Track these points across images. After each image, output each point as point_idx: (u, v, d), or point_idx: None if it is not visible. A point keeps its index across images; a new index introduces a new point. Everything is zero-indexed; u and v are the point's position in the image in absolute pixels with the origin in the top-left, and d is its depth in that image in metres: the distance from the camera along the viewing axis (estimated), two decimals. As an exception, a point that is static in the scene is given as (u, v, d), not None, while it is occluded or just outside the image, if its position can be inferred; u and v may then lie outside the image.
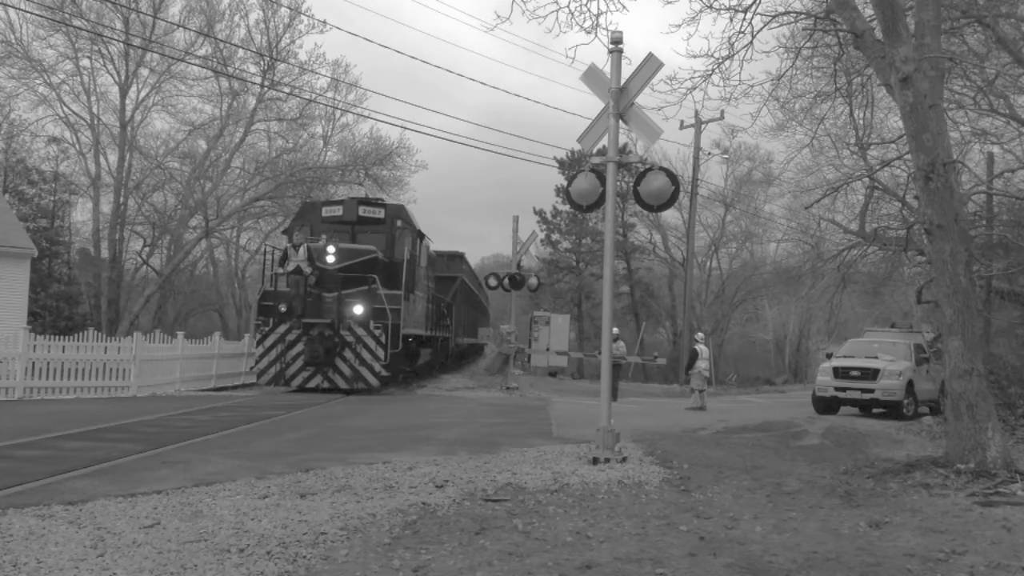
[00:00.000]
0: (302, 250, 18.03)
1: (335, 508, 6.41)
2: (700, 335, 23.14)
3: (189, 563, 4.90)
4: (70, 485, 7.11)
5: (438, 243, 27.69)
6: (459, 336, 31.48)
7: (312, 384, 17.93)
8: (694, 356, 20.60)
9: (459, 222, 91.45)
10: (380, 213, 19.70)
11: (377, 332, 17.78)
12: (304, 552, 5.18)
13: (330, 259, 18.00)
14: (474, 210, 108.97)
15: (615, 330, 25.67)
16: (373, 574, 4.84)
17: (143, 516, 5.99)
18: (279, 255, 18.79)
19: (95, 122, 33.55)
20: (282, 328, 18.11)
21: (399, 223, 19.87)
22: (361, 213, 19.47)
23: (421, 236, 21.25)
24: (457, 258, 31.97)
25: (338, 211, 19.60)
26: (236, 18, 33.89)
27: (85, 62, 32.60)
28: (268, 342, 18.17)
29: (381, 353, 17.77)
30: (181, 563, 4.90)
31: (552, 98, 77.18)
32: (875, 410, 19.13)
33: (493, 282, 24.24)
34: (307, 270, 18.04)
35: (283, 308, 18.10)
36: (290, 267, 18.11)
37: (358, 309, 17.85)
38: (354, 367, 17.88)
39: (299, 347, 17.97)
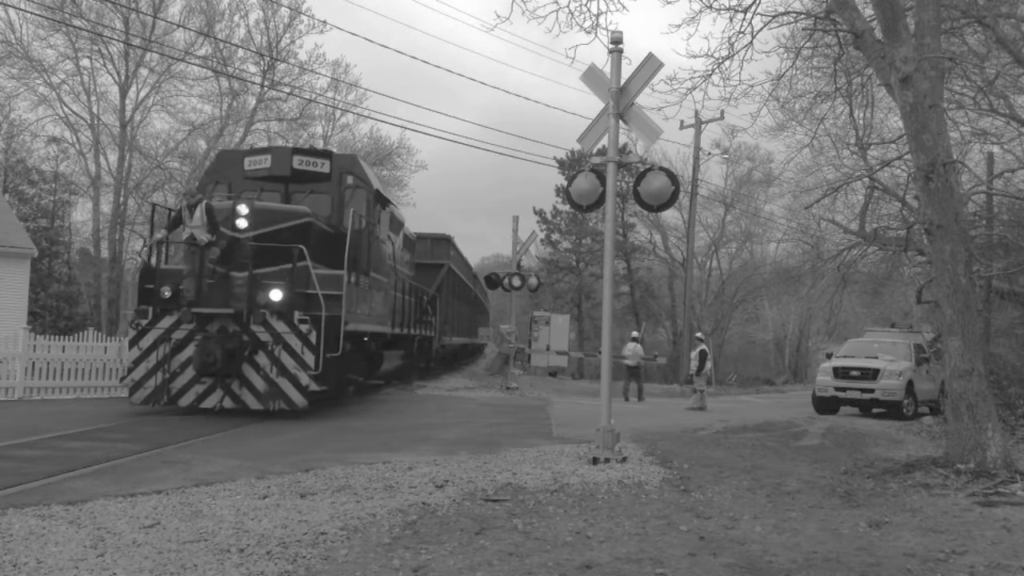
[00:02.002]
0: (199, 211, 12.76)
1: (335, 508, 6.41)
2: (700, 335, 23.14)
3: (189, 563, 4.90)
4: (70, 485, 7.11)
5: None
6: (446, 335, 26.86)
7: (209, 404, 12.61)
8: (704, 357, 20.55)
9: (460, 222, 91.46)
10: (323, 166, 14.77)
11: (304, 328, 12.42)
12: (304, 552, 5.18)
13: (241, 223, 12.54)
14: (475, 210, 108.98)
15: (635, 333, 25.58)
16: (373, 574, 4.84)
17: (143, 516, 5.99)
18: (173, 217, 13.51)
19: (95, 122, 33.55)
20: (167, 321, 12.78)
21: (349, 180, 14.89)
22: (296, 165, 14.55)
23: (383, 202, 16.03)
24: (444, 242, 26.84)
25: (265, 163, 14.72)
26: (236, 18, 33.96)
27: (85, 62, 32.62)
28: (145, 342, 12.76)
29: (310, 358, 12.37)
30: (181, 563, 4.90)
31: (553, 98, 77.23)
32: (875, 410, 19.14)
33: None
34: (204, 238, 12.69)
35: (166, 293, 12.75)
36: (184, 235, 12.97)
37: (276, 294, 12.50)
38: (270, 378, 12.45)
39: (190, 349, 12.63)
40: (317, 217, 13.82)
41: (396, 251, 18.28)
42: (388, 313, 16.76)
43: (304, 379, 12.47)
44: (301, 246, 12.63)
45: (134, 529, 5.63)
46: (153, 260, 13.65)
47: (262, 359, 12.54)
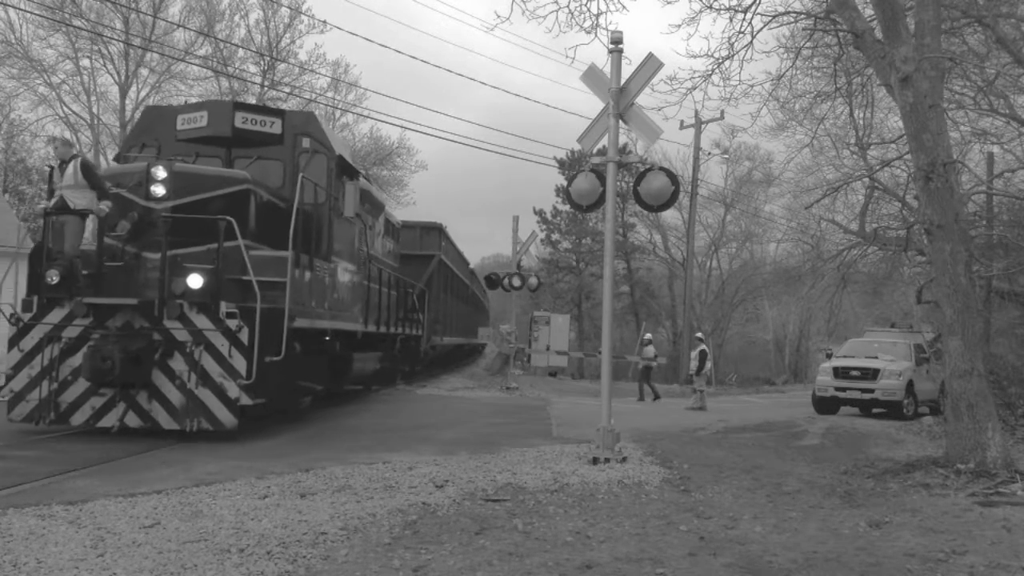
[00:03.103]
0: (72, 168, 10.12)
1: (335, 508, 6.41)
2: (700, 335, 23.16)
3: (189, 563, 4.90)
4: (70, 485, 7.11)
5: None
6: (437, 334, 24.50)
7: (108, 423, 9.82)
8: (704, 357, 20.58)
9: (460, 222, 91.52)
10: (273, 125, 12.20)
11: (234, 323, 9.76)
12: (304, 552, 5.18)
13: (157, 190, 10.09)
14: (475, 210, 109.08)
15: (648, 335, 25.49)
16: (373, 574, 4.84)
17: (143, 516, 5.99)
18: (49, 177, 10.72)
19: (95, 122, 33.58)
20: (56, 315, 9.98)
21: (306, 143, 12.28)
22: (239, 124, 11.92)
23: (350, 172, 13.30)
24: (434, 231, 24.65)
25: (200, 120, 12.00)
26: (236, 18, 33.98)
27: (85, 62, 32.65)
28: (27, 342, 9.96)
29: (241, 363, 9.69)
30: (181, 563, 4.90)
31: (555, 98, 77.25)
32: (875, 410, 19.15)
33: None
34: (79, 204, 10.10)
35: (53, 278, 9.90)
36: (53, 200, 10.32)
37: (194, 280, 9.93)
38: (188, 389, 9.70)
39: (83, 352, 9.73)
40: (260, 185, 11.26)
41: (372, 236, 15.98)
42: (359, 308, 14.30)
43: (233, 390, 9.64)
44: (230, 218, 9.87)
45: (134, 529, 5.63)
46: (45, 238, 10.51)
47: (178, 364, 9.74)
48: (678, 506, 7.00)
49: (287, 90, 33.57)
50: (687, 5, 45.63)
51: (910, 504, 7.31)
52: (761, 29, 11.57)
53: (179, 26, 31.90)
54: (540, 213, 49.95)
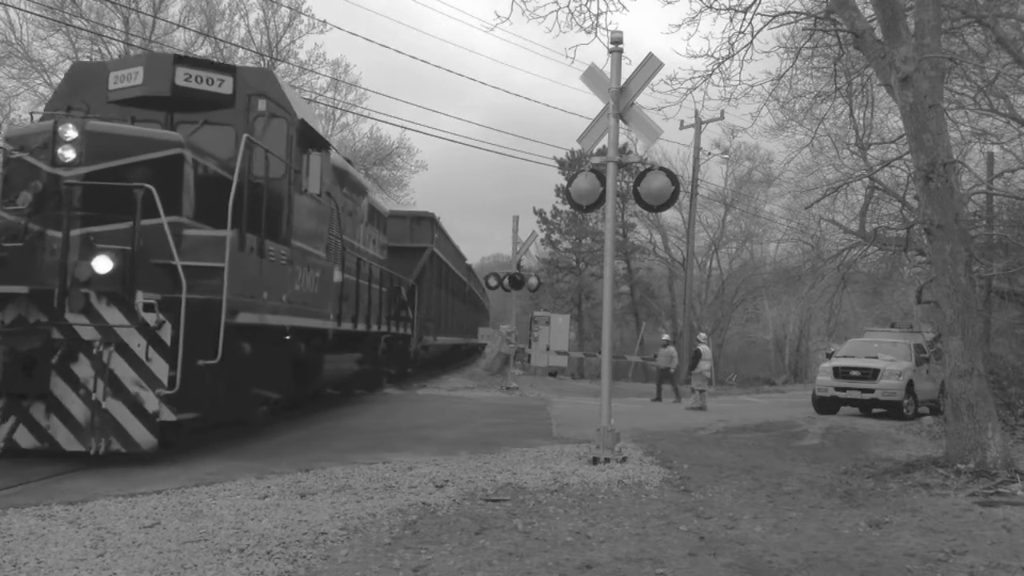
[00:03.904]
0: None
1: (335, 508, 6.42)
2: (703, 335, 23.18)
3: (189, 563, 4.90)
4: (70, 485, 7.11)
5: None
6: (429, 333, 22.95)
7: None
8: (697, 356, 20.66)
9: (460, 222, 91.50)
10: (223, 84, 10.36)
11: (153, 318, 8.04)
12: (304, 552, 5.18)
13: (66, 153, 8.24)
14: (475, 210, 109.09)
15: (666, 336, 25.39)
16: (373, 574, 4.84)
17: (143, 516, 5.99)
18: None
19: (95, 122, 33.50)
20: None
21: (261, 105, 10.48)
22: (182, 81, 10.13)
23: (316, 142, 11.55)
24: (426, 222, 23.04)
25: (135, 78, 10.18)
26: (236, 18, 33.96)
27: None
28: None
29: (162, 367, 8.01)
30: (181, 563, 4.90)
31: (556, 98, 77.28)
32: (875, 410, 19.14)
33: (493, 282, 24.03)
34: None
35: None
36: None
37: (101, 263, 8.07)
38: (94, 401, 7.93)
39: None
40: (200, 151, 9.52)
41: (352, 223, 14.47)
42: (330, 302, 12.49)
43: (151, 403, 7.92)
44: (148, 187, 8.11)
45: (134, 529, 5.63)
46: None
47: (83, 369, 7.95)
48: (678, 506, 7.00)
49: (287, 90, 33.57)
50: (687, 5, 45.68)
51: (910, 504, 7.31)
52: (761, 29, 11.59)
53: (179, 26, 31.91)
54: (540, 213, 49.97)
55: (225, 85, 10.49)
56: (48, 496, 6.55)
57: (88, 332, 8.06)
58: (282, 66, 33.24)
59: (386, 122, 76.28)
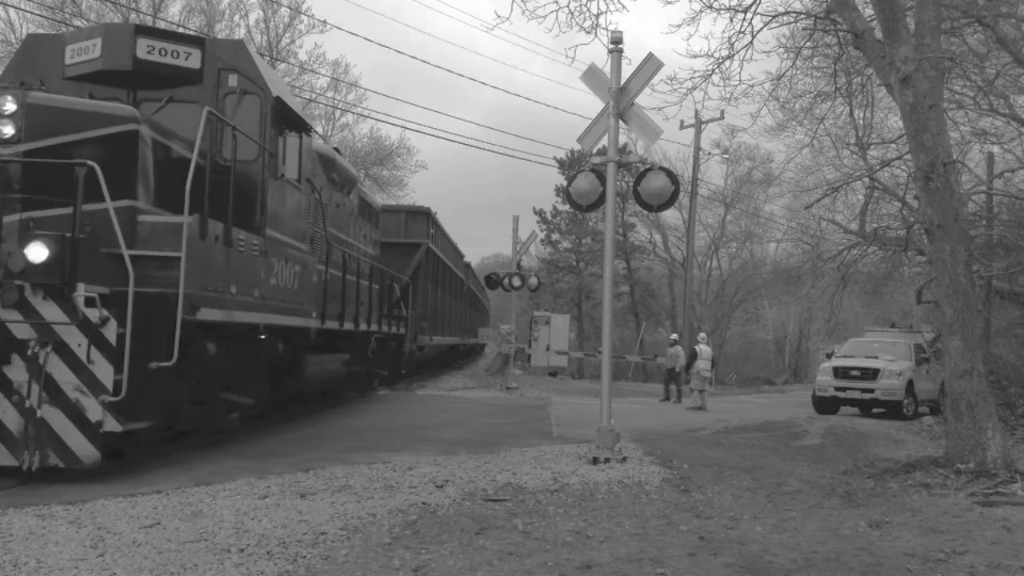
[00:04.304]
0: None
1: (335, 508, 6.42)
2: (702, 335, 23.19)
3: (189, 563, 4.90)
4: (70, 485, 7.10)
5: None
6: (425, 333, 22.06)
7: None
8: (694, 356, 20.70)
9: (460, 222, 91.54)
10: (190, 58, 9.50)
11: (95, 315, 7.15)
12: (304, 552, 5.18)
13: (4, 129, 7.47)
14: (475, 210, 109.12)
15: (674, 336, 25.34)
16: (373, 574, 4.84)
17: (143, 516, 5.99)
18: None
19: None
20: None
21: (232, 81, 9.69)
22: (144, 54, 9.24)
23: (296, 124, 10.76)
24: (421, 217, 22.13)
25: (93, 51, 9.32)
26: (236, 18, 33.99)
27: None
28: None
29: (106, 371, 7.13)
30: (181, 563, 4.90)
31: (557, 98, 77.34)
32: (875, 410, 19.16)
33: (495, 282, 23.96)
34: None
35: None
36: None
37: (36, 251, 7.15)
38: (29, 409, 7.07)
39: None
40: (160, 129, 8.59)
41: (340, 215, 13.78)
42: (312, 299, 11.59)
43: (94, 411, 7.05)
44: (91, 164, 7.26)
45: (134, 529, 5.63)
46: None
47: (16, 373, 7.09)
48: (678, 506, 7.00)
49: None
50: (687, 5, 45.70)
51: (910, 504, 7.31)
52: (761, 29, 11.59)
53: (179, 26, 31.90)
54: (540, 213, 49.99)
55: (192, 59, 9.55)
56: (48, 496, 6.55)
57: (22, 330, 7.13)
58: (282, 66, 33.25)
59: (386, 122, 76.37)
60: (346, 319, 13.71)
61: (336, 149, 14.83)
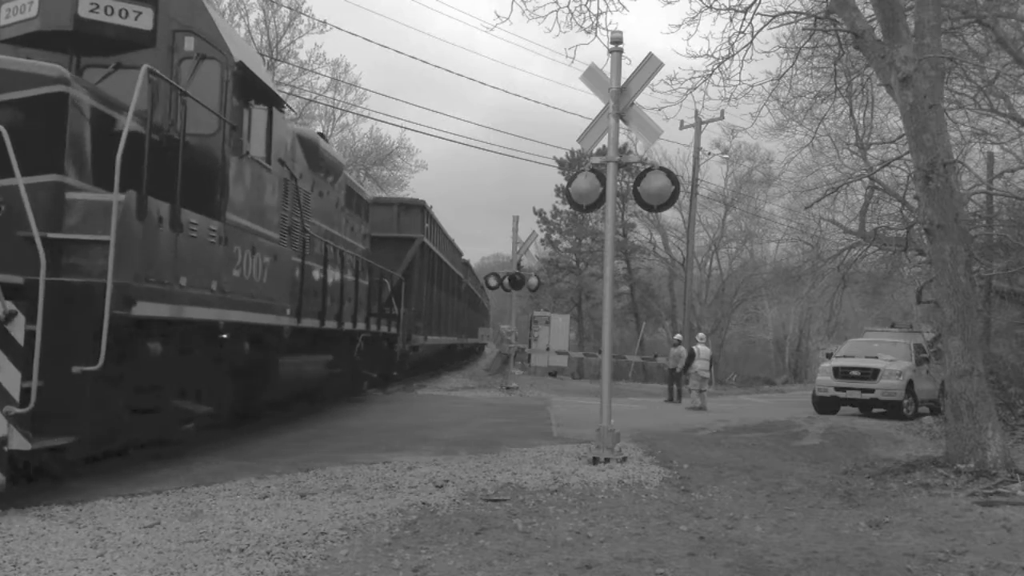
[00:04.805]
0: None
1: (335, 508, 6.41)
2: (700, 335, 23.21)
3: (189, 563, 4.90)
4: (70, 485, 7.10)
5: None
6: (419, 333, 21.09)
7: None
8: (691, 356, 20.74)
9: (461, 222, 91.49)
10: (140, 17, 8.21)
11: None
12: (304, 552, 5.18)
13: None
14: (476, 210, 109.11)
15: (677, 336, 25.27)
16: (373, 574, 4.84)
17: (143, 516, 5.99)
18: None
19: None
20: None
21: (188, 44, 8.68)
22: (87, 13, 8.00)
23: (260, 93, 9.58)
24: (416, 210, 21.19)
25: (30, 9, 8.12)
26: (236, 18, 33.97)
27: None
28: None
29: (12, 377, 5.91)
30: (181, 563, 4.90)
31: (558, 98, 77.34)
32: (875, 410, 19.16)
33: (493, 282, 23.98)
34: None
35: None
36: None
37: None
38: None
39: None
40: (96, 93, 7.60)
41: (320, 201, 12.70)
42: (286, 294, 10.42)
43: None
44: None
45: (134, 529, 5.63)
46: None
47: None
48: (678, 506, 7.00)
49: (287, 90, 33.57)
50: (687, 5, 45.70)
51: (910, 504, 7.31)
52: (761, 29, 11.60)
53: (179, 26, 31.90)
54: (540, 213, 50.01)
55: (143, 19, 8.24)
56: (48, 496, 6.54)
57: None
58: (282, 66, 33.28)
59: (386, 122, 76.39)
60: (328, 317, 12.65)
61: (321, 134, 14.02)
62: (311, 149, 12.22)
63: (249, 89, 9.23)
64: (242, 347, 9.62)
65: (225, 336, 9.12)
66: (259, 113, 9.08)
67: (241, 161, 9.00)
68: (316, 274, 12.12)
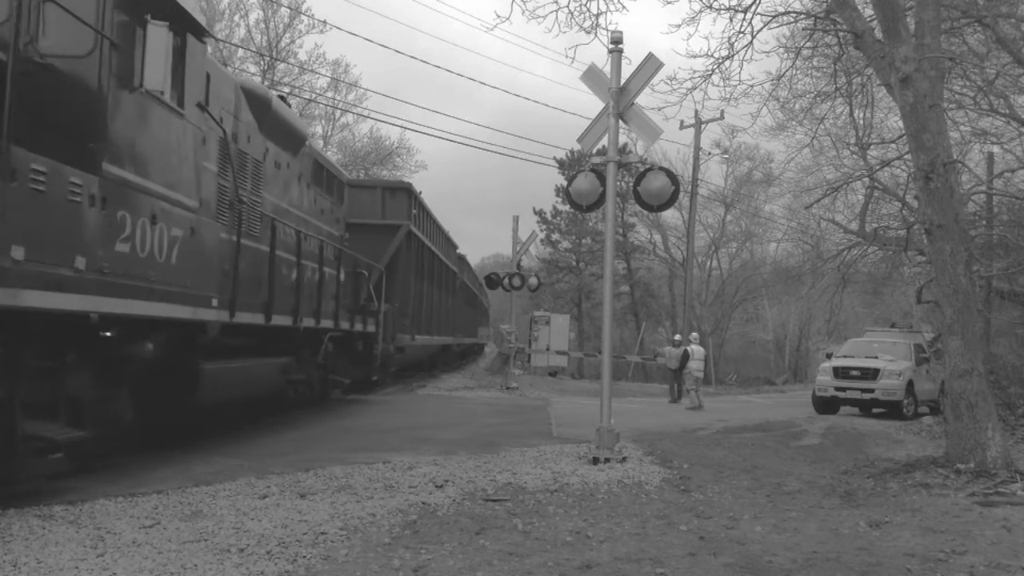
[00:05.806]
0: None
1: (335, 508, 6.41)
2: (694, 335, 23.22)
3: (189, 563, 4.90)
4: (70, 485, 7.10)
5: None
6: (405, 332, 19.09)
7: None
8: (686, 357, 20.79)
9: (461, 222, 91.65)
10: None
11: None
12: (304, 552, 5.18)
13: None
14: (475, 211, 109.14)
15: (677, 336, 25.15)
16: (373, 574, 4.84)
17: (143, 516, 5.99)
18: None
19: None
20: None
21: None
22: None
23: (168, 9, 7.04)
24: (401, 193, 18.85)
25: None
26: (236, 18, 34.04)
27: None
28: None
29: None
30: (181, 563, 4.90)
31: (556, 99, 77.32)
32: (875, 410, 19.15)
33: (497, 282, 23.91)
34: None
35: None
36: None
37: None
38: None
39: None
40: None
41: (272, 170, 10.71)
42: (211, 280, 8.45)
43: None
44: None
45: (134, 529, 5.63)
46: None
47: None
48: (678, 506, 7.00)
49: (287, 90, 33.58)
50: (687, 5, 45.72)
51: (910, 504, 7.31)
52: (761, 29, 11.60)
53: None
54: (540, 213, 49.99)
55: None
56: (48, 496, 6.54)
57: None
58: (282, 66, 33.28)
59: (385, 122, 76.38)
60: (277, 312, 10.53)
61: (282, 97, 12.58)
62: (260, 107, 10.14)
63: (146, 1, 6.90)
64: (143, 348, 7.57)
65: (109, 334, 6.90)
66: (156, 33, 6.66)
67: (132, 96, 6.75)
68: (261, 258, 10.07)
